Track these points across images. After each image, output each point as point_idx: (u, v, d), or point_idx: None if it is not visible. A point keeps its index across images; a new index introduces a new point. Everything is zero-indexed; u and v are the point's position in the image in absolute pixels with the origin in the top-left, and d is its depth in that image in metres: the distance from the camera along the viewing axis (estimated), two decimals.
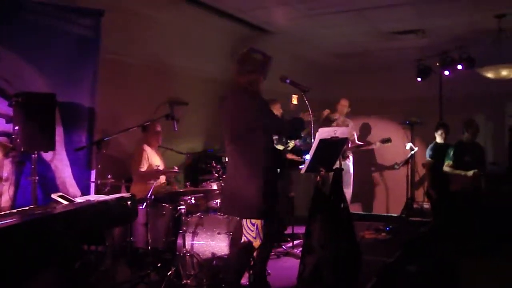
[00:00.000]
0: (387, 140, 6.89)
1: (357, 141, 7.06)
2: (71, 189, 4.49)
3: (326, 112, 6.08)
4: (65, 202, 3.32)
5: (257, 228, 3.55)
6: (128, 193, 4.17)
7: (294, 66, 7.22)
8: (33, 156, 3.83)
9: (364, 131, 8.57)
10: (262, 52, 3.67)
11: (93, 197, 3.82)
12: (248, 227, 3.58)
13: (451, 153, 6.18)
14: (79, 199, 3.55)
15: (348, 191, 7.03)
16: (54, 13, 4.32)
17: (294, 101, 7.93)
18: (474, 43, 6.35)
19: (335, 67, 8.86)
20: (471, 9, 5.61)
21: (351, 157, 7.06)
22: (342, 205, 3.58)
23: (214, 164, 5.10)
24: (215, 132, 6.68)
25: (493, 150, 7.88)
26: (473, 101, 7.79)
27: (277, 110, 5.89)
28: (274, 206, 3.57)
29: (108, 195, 3.95)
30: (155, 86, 5.78)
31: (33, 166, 3.83)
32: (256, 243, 3.59)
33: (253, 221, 3.56)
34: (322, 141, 3.38)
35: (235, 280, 3.71)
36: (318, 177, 3.51)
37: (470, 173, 5.96)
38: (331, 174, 3.76)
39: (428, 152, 6.75)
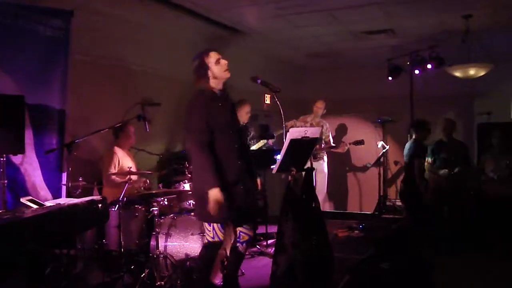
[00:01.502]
0: (360, 142, 6.95)
1: (331, 143, 7.12)
2: (41, 193, 4.43)
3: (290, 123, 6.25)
4: (34, 206, 3.27)
5: (213, 229, 3.54)
6: (100, 196, 4.14)
7: (267, 66, 7.26)
8: (2, 159, 3.75)
9: (337, 130, 8.66)
10: (198, 54, 3.59)
11: (63, 200, 3.77)
12: (207, 228, 3.60)
13: (429, 151, 6.33)
14: (49, 203, 3.49)
15: (322, 191, 7.10)
16: (22, 14, 4.24)
17: (267, 100, 8.00)
18: (443, 43, 6.48)
19: (308, 67, 8.93)
20: (439, 9, 5.72)
21: (325, 158, 7.12)
22: (313, 204, 3.62)
23: (187, 165, 5.08)
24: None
25: None
26: (443, 100, 7.97)
27: (244, 112, 5.90)
28: (230, 209, 3.42)
29: (79, 198, 3.90)
30: (127, 87, 5.74)
31: (1, 170, 3.74)
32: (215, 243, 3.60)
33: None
34: (293, 141, 3.41)
35: (202, 279, 3.73)
36: (290, 176, 3.55)
37: (441, 172, 6.15)
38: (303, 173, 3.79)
39: (413, 151, 6.35)
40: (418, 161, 6.16)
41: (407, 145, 6.31)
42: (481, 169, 6.34)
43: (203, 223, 3.69)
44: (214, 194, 3.25)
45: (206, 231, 3.61)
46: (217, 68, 3.51)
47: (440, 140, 6.45)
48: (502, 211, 5.74)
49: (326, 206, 7.84)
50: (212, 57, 3.51)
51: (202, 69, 3.51)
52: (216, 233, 3.54)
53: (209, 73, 3.51)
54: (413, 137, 6.31)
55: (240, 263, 3.93)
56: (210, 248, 3.65)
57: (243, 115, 5.85)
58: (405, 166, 6.37)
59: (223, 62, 3.52)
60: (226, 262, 3.87)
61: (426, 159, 6.27)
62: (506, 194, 5.91)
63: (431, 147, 6.36)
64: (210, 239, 3.59)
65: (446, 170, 6.15)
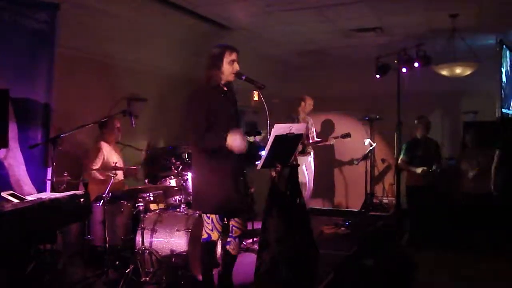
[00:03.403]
0: (347, 135, 7.04)
1: (315, 138, 7.16)
2: (25, 187, 4.38)
3: None
4: (15, 200, 3.24)
5: (212, 221, 3.65)
6: (83, 191, 4.12)
7: (255, 63, 7.25)
8: None
9: (325, 127, 8.69)
10: (224, 46, 3.68)
11: (45, 194, 3.75)
12: (205, 220, 3.70)
13: (403, 149, 6.37)
14: (30, 197, 3.47)
15: (309, 186, 7.13)
16: (7, 6, 4.20)
17: (255, 97, 7.99)
18: (430, 41, 6.51)
19: (296, 64, 8.93)
20: (427, 8, 5.75)
21: (312, 153, 7.15)
22: (298, 200, 3.62)
23: (174, 161, 5.08)
24: (175, 129, 6.66)
25: (449, 145, 8.12)
26: (430, 98, 8.01)
27: None
28: (227, 201, 3.61)
29: (63, 193, 3.88)
30: (113, 82, 5.71)
31: None
32: (214, 235, 3.68)
33: (208, 214, 3.66)
34: (278, 137, 3.41)
35: (206, 280, 3.78)
36: (274, 172, 3.55)
37: (419, 170, 6.18)
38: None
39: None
40: None
41: None
42: (457, 168, 6.41)
43: (202, 216, 3.81)
44: (233, 138, 3.47)
45: (205, 223, 3.70)
46: (227, 68, 3.63)
47: (415, 138, 6.50)
48: (477, 209, 5.82)
49: (312, 203, 7.86)
50: (232, 56, 3.63)
51: (217, 60, 3.62)
52: (214, 225, 3.66)
53: (220, 66, 3.61)
54: None
55: (234, 261, 3.94)
56: (207, 246, 3.74)
57: None
58: None
59: (236, 66, 3.65)
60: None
61: (400, 157, 6.32)
62: (479, 192, 5.99)
63: (405, 145, 6.40)
64: (209, 231, 3.67)
65: (425, 168, 6.19)
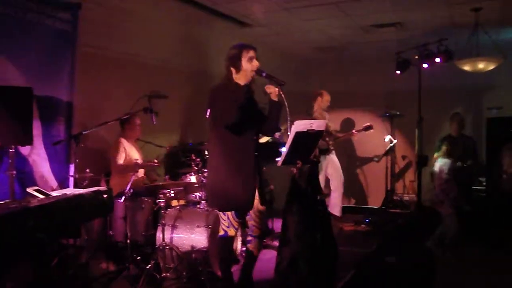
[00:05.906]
0: (369, 127, 6.91)
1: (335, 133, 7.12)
2: (49, 183, 4.49)
3: None
4: (41, 196, 3.30)
5: (228, 218, 3.64)
6: (106, 187, 4.18)
7: (273, 59, 7.23)
8: (10, 150, 3.80)
9: (344, 123, 8.62)
10: (240, 45, 3.66)
11: (69, 190, 3.81)
12: (221, 217, 3.69)
13: (438, 145, 6.31)
14: (55, 193, 3.53)
15: (340, 182, 7.09)
16: (30, 7, 4.28)
17: None
18: (452, 36, 6.42)
19: (315, 60, 8.89)
20: (448, 2, 5.66)
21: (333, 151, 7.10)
22: (318, 197, 3.62)
23: (194, 157, 5.11)
24: (196, 125, 6.70)
25: None
26: (452, 94, 7.91)
27: None
28: (241, 199, 3.56)
29: (86, 189, 3.94)
30: (135, 79, 5.77)
31: (10, 161, 3.80)
32: (231, 232, 3.67)
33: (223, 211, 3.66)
34: (298, 133, 3.40)
35: (225, 276, 3.76)
36: (295, 169, 3.55)
37: (457, 164, 6.12)
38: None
39: None
40: None
41: None
42: (498, 163, 6.24)
43: (218, 214, 3.80)
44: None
45: (221, 220, 3.69)
46: (246, 65, 3.61)
47: (450, 135, 6.43)
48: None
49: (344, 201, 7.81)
50: (250, 53, 3.61)
51: (235, 60, 3.61)
52: (231, 222, 3.65)
53: (240, 66, 3.60)
54: None
55: (255, 260, 3.93)
56: (225, 242, 3.73)
57: None
58: None
59: (255, 63, 3.63)
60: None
61: (435, 154, 6.25)
62: None
63: (438, 142, 6.33)
64: (225, 228, 3.67)
65: (460, 163, 6.11)
